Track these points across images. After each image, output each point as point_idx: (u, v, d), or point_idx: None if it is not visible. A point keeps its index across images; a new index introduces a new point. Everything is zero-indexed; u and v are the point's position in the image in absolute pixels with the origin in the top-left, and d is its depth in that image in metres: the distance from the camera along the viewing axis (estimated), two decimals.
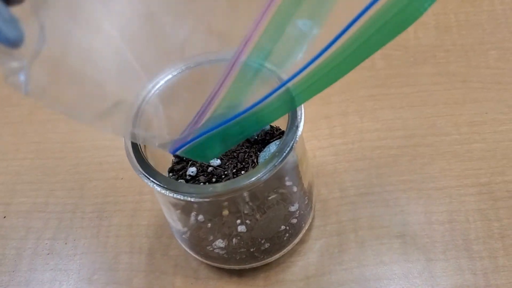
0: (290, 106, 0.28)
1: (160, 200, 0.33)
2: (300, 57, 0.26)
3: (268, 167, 0.28)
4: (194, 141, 0.29)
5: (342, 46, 0.24)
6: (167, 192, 0.28)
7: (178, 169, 0.35)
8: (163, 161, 0.36)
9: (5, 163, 0.45)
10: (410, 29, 0.49)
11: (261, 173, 0.28)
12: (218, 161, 0.35)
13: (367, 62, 0.47)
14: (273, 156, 0.28)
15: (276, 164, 0.28)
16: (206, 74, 0.33)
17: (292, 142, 0.28)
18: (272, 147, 0.35)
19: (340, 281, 0.36)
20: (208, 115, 0.30)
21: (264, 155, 0.34)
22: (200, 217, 0.32)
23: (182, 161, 0.36)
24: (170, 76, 0.32)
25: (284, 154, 0.28)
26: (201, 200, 0.28)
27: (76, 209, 0.42)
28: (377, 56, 0.48)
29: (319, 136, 0.43)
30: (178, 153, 0.30)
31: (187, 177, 0.35)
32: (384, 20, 0.22)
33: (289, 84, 0.27)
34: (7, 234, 0.41)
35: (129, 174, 0.43)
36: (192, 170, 0.35)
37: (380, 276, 0.35)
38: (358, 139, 0.42)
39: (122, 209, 0.41)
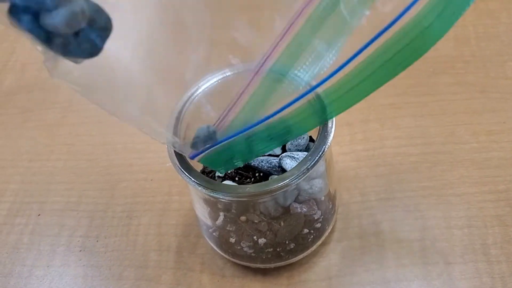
0: (321, 117, 0.28)
1: (194, 197, 0.35)
2: (330, 63, 0.26)
3: (302, 170, 0.29)
4: (214, 147, 0.29)
5: (375, 54, 0.24)
6: (204, 190, 0.30)
7: (208, 171, 0.37)
8: (194, 163, 0.38)
9: (39, 163, 0.47)
10: None
11: (293, 176, 0.29)
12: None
13: None
14: (306, 160, 0.30)
15: (309, 167, 0.29)
16: (235, 83, 0.34)
17: (324, 146, 0.30)
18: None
19: (361, 282, 0.37)
20: (229, 121, 0.30)
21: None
22: (233, 216, 0.34)
23: None
24: (207, 84, 0.34)
25: (316, 158, 0.30)
26: (234, 199, 0.30)
27: (107, 208, 0.43)
28: None
29: (341, 142, 0.45)
30: (196, 159, 0.30)
31: (216, 178, 0.36)
32: (428, 23, 0.22)
33: (320, 93, 0.28)
34: (42, 231, 0.43)
35: (158, 176, 0.45)
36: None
37: (400, 277, 0.37)
38: (379, 145, 0.44)
39: (151, 209, 0.43)
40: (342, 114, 0.45)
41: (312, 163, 0.30)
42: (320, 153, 0.30)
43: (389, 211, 0.40)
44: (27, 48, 0.57)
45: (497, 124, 0.44)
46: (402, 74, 0.49)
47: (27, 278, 0.40)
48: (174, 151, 0.32)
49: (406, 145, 0.44)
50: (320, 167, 0.33)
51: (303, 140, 0.35)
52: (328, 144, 0.30)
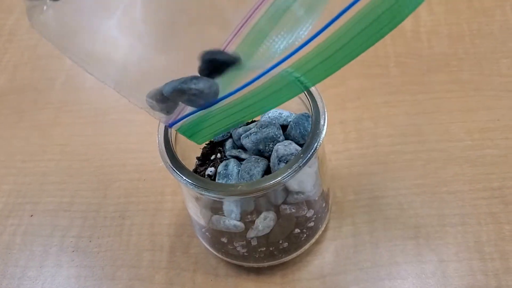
0: (295, 88, 0.27)
1: (187, 196, 0.35)
2: (306, 33, 0.25)
3: (293, 167, 0.29)
4: (193, 115, 0.29)
5: (350, 22, 0.24)
6: (196, 189, 0.30)
7: (200, 171, 0.37)
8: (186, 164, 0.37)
9: (33, 164, 0.47)
10: (424, 38, 0.50)
11: (285, 174, 0.29)
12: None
13: (382, 70, 0.49)
14: (297, 157, 0.29)
15: (300, 165, 0.29)
16: None
17: (316, 144, 0.30)
18: (280, 148, 0.35)
19: (355, 280, 0.37)
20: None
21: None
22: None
23: (204, 164, 0.38)
24: None
25: (308, 155, 0.29)
26: (226, 198, 0.30)
27: (100, 208, 0.43)
28: (392, 64, 0.49)
29: (334, 141, 0.44)
30: (174, 127, 0.30)
31: (206, 177, 0.36)
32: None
33: (291, 64, 0.26)
34: (35, 232, 0.43)
35: (151, 176, 0.45)
36: (210, 170, 0.36)
37: (394, 275, 0.37)
38: (372, 144, 0.44)
39: (144, 209, 0.43)
40: (335, 113, 0.46)
41: (304, 161, 0.30)
42: (312, 151, 0.30)
43: (383, 209, 0.40)
44: (20, 48, 0.57)
45: (491, 122, 0.44)
46: (396, 72, 0.49)
47: (19, 279, 0.40)
48: (166, 149, 0.32)
49: (400, 143, 0.43)
50: (312, 166, 0.33)
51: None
52: (320, 141, 0.30)
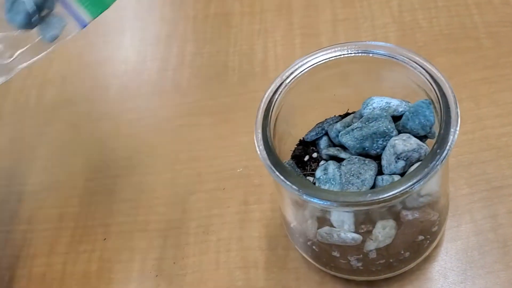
0: None
1: (288, 206, 0.31)
2: None
3: (431, 166, 0.24)
4: None
5: None
6: (303, 196, 0.25)
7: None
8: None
9: (98, 182, 0.43)
10: None
11: (420, 176, 0.25)
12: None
13: (472, 42, 0.43)
14: (433, 155, 0.25)
15: (437, 164, 0.24)
16: None
17: (453, 136, 0.25)
18: (398, 143, 0.31)
19: (486, 286, 0.32)
20: None
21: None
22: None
23: (297, 166, 0.33)
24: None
25: (446, 151, 0.25)
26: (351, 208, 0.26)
27: (180, 225, 0.39)
28: (482, 35, 0.44)
29: None
30: None
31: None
32: None
33: None
34: (111, 257, 0.39)
35: (230, 183, 0.40)
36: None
37: None
38: (478, 127, 0.39)
39: (229, 221, 0.39)
40: None
41: (442, 157, 0.25)
42: (449, 145, 0.25)
43: (505, 201, 0.35)
44: (66, 59, 0.53)
45: None
46: (490, 44, 0.44)
47: None
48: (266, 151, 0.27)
49: (510, 123, 0.38)
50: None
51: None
52: (457, 132, 0.26)
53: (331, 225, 0.30)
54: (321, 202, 0.26)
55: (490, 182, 0.36)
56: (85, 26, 0.30)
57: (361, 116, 0.31)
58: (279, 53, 0.47)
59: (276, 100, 0.30)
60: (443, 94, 0.27)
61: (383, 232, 0.29)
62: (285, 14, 0.50)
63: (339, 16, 0.48)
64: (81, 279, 0.38)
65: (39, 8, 0.29)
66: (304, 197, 0.26)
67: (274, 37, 0.48)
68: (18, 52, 0.30)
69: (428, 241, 0.31)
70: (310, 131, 0.34)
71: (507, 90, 0.40)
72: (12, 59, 0.30)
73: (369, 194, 0.25)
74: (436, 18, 0.45)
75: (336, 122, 0.33)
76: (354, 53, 0.30)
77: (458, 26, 0.45)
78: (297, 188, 0.26)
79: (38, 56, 0.30)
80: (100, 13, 0.31)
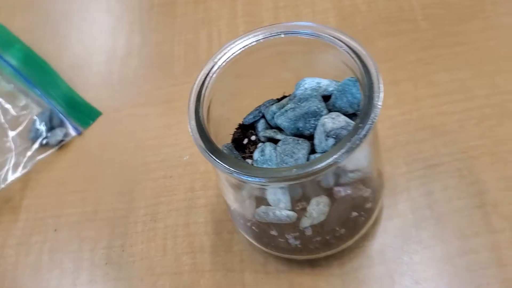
0: None
1: (227, 189, 0.31)
2: None
3: (353, 141, 0.25)
4: None
5: None
6: (235, 174, 0.26)
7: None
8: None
9: (47, 174, 0.43)
10: None
11: (344, 150, 0.25)
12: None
13: (409, 24, 0.44)
14: (355, 129, 0.25)
15: (361, 137, 0.25)
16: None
17: (375, 110, 0.26)
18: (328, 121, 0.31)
19: (422, 261, 0.33)
20: None
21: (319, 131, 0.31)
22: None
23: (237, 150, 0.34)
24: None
25: (368, 125, 0.25)
26: (271, 185, 0.26)
27: (128, 213, 0.40)
28: (419, 17, 0.45)
29: None
30: None
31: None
32: None
33: None
34: (62, 247, 0.39)
35: (177, 171, 0.41)
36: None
37: (466, 250, 0.33)
38: (415, 107, 0.40)
39: (175, 208, 0.39)
40: None
41: (364, 132, 0.26)
42: (372, 119, 0.26)
43: (440, 178, 0.36)
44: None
45: None
46: (425, 25, 0.45)
47: None
48: (199, 133, 0.28)
49: (445, 102, 0.39)
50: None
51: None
52: (379, 106, 0.26)
53: (268, 204, 0.30)
54: (251, 179, 0.26)
55: (426, 161, 0.37)
56: (80, 133, 0.45)
57: (295, 97, 0.32)
58: (224, 41, 0.47)
59: (209, 83, 0.30)
60: (367, 70, 0.28)
61: (317, 208, 0.30)
62: (229, 2, 0.50)
63: (281, 3, 0.49)
64: (33, 270, 0.39)
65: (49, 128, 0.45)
66: (235, 175, 0.27)
67: (218, 25, 0.49)
68: (29, 153, 0.43)
69: (363, 218, 0.32)
70: (248, 115, 0.34)
71: (443, 71, 0.41)
72: (25, 158, 0.43)
73: (295, 169, 0.26)
74: (374, 3, 0.46)
75: (272, 104, 0.34)
76: (283, 33, 0.31)
77: (396, 10, 0.45)
78: (227, 167, 0.27)
79: (45, 154, 0.44)
80: (89, 125, 0.45)
